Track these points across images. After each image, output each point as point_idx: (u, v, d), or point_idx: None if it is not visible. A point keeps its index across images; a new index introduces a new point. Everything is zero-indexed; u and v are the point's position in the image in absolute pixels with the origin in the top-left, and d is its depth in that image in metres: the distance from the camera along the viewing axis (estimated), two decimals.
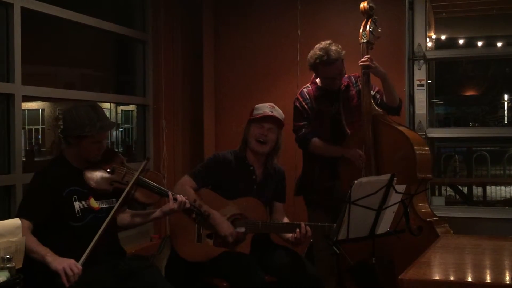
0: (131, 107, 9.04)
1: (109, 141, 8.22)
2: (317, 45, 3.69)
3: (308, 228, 3.15)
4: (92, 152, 2.85)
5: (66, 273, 2.51)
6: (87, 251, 2.61)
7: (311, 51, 3.71)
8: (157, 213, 2.99)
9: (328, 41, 3.67)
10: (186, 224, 3.25)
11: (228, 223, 3.22)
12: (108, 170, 2.90)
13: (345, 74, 3.79)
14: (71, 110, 2.84)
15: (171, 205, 2.92)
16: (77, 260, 2.58)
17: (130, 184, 2.84)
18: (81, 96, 4.00)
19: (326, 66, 3.64)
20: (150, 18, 4.65)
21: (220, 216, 3.22)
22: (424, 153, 3.63)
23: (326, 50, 3.62)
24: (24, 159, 3.65)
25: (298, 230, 3.15)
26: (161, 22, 4.63)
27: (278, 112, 3.40)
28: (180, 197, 2.93)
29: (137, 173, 2.87)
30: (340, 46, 3.67)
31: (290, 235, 3.24)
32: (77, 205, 2.79)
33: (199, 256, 3.22)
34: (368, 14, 3.71)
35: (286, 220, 3.46)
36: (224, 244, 3.23)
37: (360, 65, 3.64)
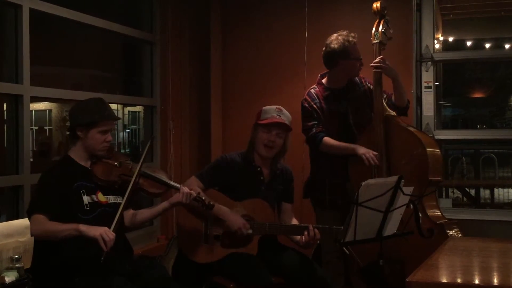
0: (138, 108, 9.05)
1: (116, 141, 8.24)
2: (332, 37, 3.68)
3: (316, 230, 3.15)
4: (100, 143, 2.89)
5: (103, 239, 2.61)
6: (115, 221, 2.70)
7: (331, 41, 3.66)
8: (165, 204, 3.06)
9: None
10: (193, 225, 3.26)
11: (238, 216, 3.23)
12: (116, 164, 2.95)
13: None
14: (79, 103, 3.00)
15: (179, 196, 2.98)
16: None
17: (137, 169, 2.89)
18: (89, 96, 3.99)
19: (354, 46, 3.64)
20: (157, 20, 4.67)
21: (229, 211, 3.23)
22: (436, 155, 3.61)
23: (348, 34, 3.65)
24: (32, 160, 3.66)
25: (306, 232, 3.15)
26: (169, 23, 4.65)
27: (286, 116, 3.39)
28: (185, 189, 2.99)
29: (142, 156, 2.93)
30: None
31: (298, 237, 3.24)
32: (85, 199, 2.82)
33: (206, 257, 3.22)
34: (380, 14, 3.71)
35: (294, 220, 3.46)
36: (231, 245, 3.24)
37: (372, 65, 3.62)
